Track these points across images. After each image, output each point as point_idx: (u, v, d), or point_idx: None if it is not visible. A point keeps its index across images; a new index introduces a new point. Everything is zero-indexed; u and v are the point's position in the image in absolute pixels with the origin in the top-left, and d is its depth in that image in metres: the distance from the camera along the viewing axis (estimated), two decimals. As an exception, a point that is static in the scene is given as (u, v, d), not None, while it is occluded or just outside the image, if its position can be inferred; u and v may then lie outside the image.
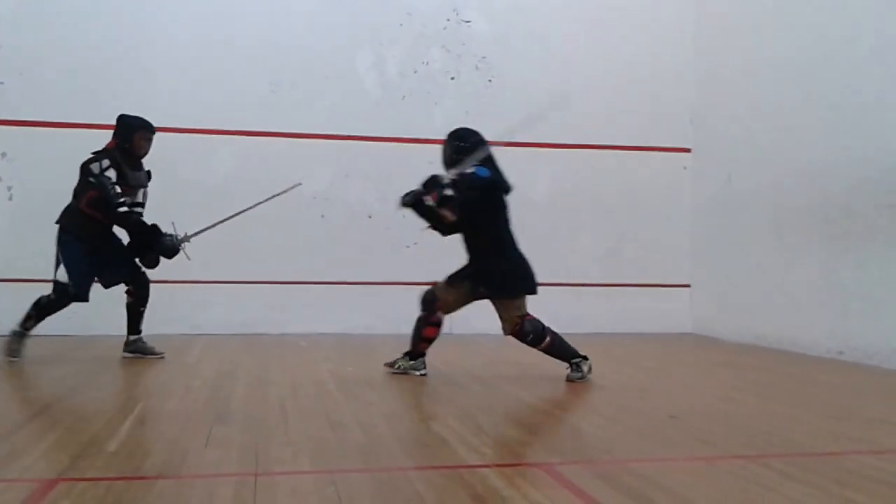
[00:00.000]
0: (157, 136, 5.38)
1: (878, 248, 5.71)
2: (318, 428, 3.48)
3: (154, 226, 5.23)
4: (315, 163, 7.21)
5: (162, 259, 5.28)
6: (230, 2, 7.26)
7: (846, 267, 5.99)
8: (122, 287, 5.43)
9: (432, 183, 4.64)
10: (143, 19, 7.08)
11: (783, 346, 6.55)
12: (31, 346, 5.30)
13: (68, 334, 6.06)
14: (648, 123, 7.91)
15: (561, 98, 4.76)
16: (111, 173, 5.06)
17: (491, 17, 7.67)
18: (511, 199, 7.50)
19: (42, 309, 5.17)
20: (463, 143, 4.77)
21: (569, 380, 4.70)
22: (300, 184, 5.94)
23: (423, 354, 4.92)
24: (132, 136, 5.20)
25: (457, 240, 4.86)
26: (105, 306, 5.73)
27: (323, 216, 7.31)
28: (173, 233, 5.25)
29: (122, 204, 5.06)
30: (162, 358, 5.43)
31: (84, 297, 5.18)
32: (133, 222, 5.17)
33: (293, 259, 7.20)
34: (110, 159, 5.10)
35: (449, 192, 4.57)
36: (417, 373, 4.90)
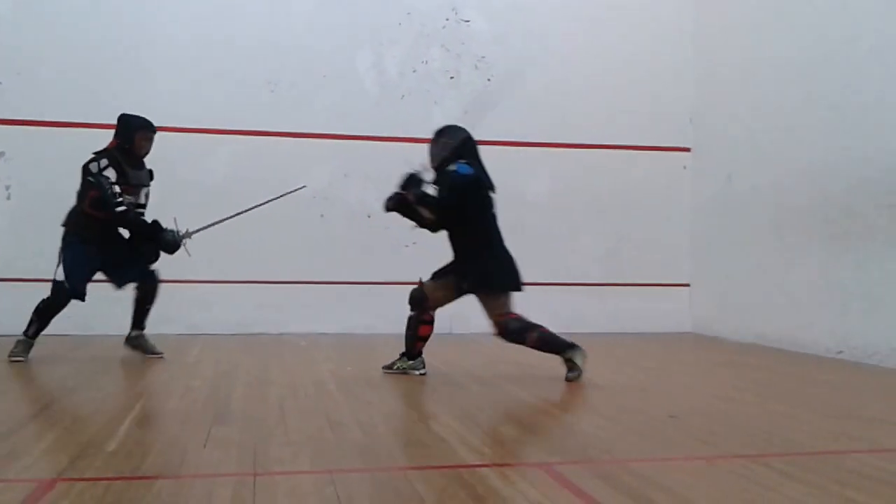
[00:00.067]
0: (157, 136, 5.38)
1: (878, 248, 5.71)
2: (317, 428, 3.48)
3: (154, 222, 5.24)
4: (314, 162, 7.20)
5: (163, 255, 5.29)
6: (230, 2, 7.26)
7: (846, 267, 5.99)
8: (127, 291, 5.43)
9: (410, 181, 4.66)
10: (143, 19, 7.08)
11: (783, 345, 6.55)
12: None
13: (68, 334, 6.05)
14: (648, 123, 7.91)
15: (516, 75, 4.80)
16: (110, 173, 5.06)
17: (490, 16, 7.67)
18: (511, 199, 7.49)
19: (42, 313, 5.17)
20: (450, 141, 4.77)
21: (568, 380, 4.69)
22: (305, 186, 5.97)
23: (421, 353, 4.92)
24: (133, 135, 5.20)
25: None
26: (105, 306, 5.74)
27: (322, 216, 7.31)
28: (175, 228, 5.25)
29: (120, 203, 5.06)
30: (161, 357, 5.43)
31: (81, 296, 5.18)
32: (132, 220, 5.17)
33: (292, 259, 7.20)
34: (109, 159, 5.10)
35: (426, 189, 4.59)
36: (417, 372, 4.90)
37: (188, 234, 5.30)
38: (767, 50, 6.93)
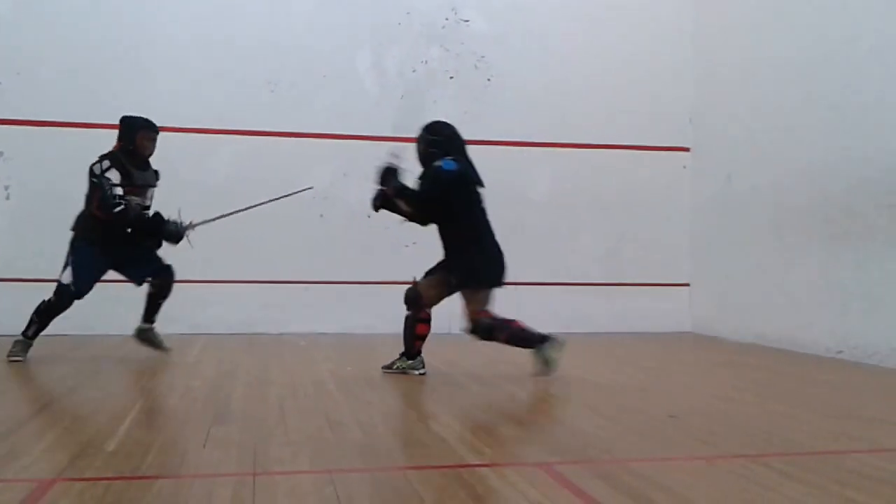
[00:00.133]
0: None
1: (878, 247, 5.71)
2: (317, 428, 3.48)
3: (157, 214, 5.25)
4: (314, 162, 7.20)
5: (168, 249, 5.28)
6: (230, 2, 7.26)
7: (846, 266, 5.99)
8: (127, 291, 5.44)
9: (386, 175, 4.69)
10: (143, 19, 7.08)
11: (783, 345, 6.55)
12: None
13: (68, 334, 6.04)
14: (647, 123, 7.91)
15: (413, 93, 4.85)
16: (112, 174, 5.07)
17: (489, 16, 7.67)
18: (511, 199, 7.55)
19: (43, 314, 5.18)
20: (436, 137, 4.78)
21: (538, 375, 4.65)
22: (311, 187, 5.97)
23: (419, 353, 4.92)
24: (135, 136, 5.21)
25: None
26: (105, 306, 5.74)
27: (322, 216, 7.31)
28: (178, 220, 5.25)
29: (118, 204, 5.06)
30: (167, 352, 5.44)
31: (82, 296, 5.19)
32: (132, 219, 5.17)
33: (292, 258, 7.20)
34: (112, 160, 5.11)
35: (403, 180, 4.63)
36: (416, 372, 4.90)
37: (192, 226, 5.30)
38: (767, 50, 6.93)
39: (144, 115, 5.34)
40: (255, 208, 5.62)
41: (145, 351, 5.56)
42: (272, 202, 5.66)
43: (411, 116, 5.38)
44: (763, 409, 4.13)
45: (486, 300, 4.71)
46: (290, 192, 5.68)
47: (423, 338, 4.88)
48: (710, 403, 4.28)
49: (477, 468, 2.87)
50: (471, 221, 4.75)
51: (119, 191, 5.06)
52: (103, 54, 6.96)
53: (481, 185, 4.81)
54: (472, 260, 4.71)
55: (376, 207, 4.82)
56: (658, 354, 6.40)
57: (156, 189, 5.38)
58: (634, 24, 7.92)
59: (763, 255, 6.92)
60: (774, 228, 6.78)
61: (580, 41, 7.81)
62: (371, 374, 4.92)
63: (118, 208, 5.06)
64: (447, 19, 7.60)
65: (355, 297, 7.27)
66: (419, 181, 4.76)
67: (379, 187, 4.75)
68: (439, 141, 4.76)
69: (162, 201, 5.67)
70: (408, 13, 7.50)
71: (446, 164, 4.65)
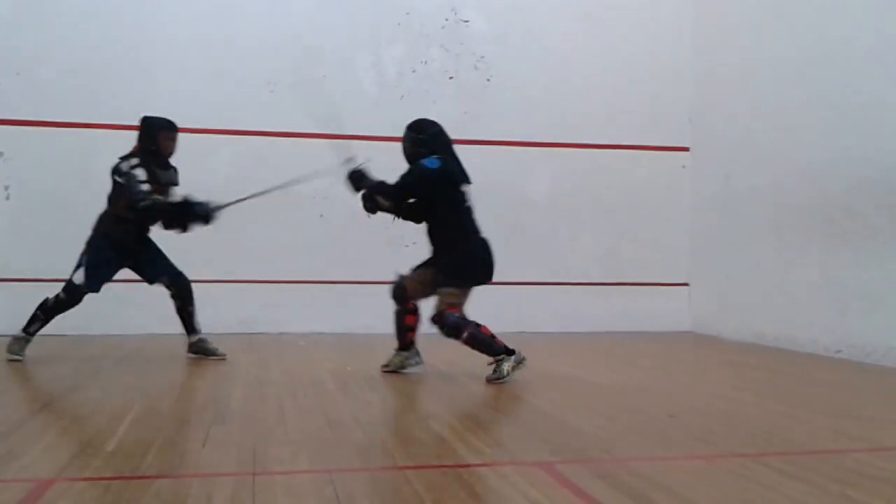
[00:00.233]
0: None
1: (877, 247, 5.71)
2: (316, 427, 3.48)
3: (184, 200, 5.20)
4: (315, 162, 7.17)
5: (197, 228, 5.25)
6: (230, 2, 7.26)
7: (845, 266, 5.99)
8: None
9: (355, 179, 4.75)
10: (143, 19, 7.08)
11: (782, 344, 6.55)
12: (30, 345, 5.29)
13: (68, 334, 6.05)
14: (647, 122, 7.91)
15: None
16: (139, 171, 5.08)
17: (489, 16, 7.67)
18: (511, 199, 7.56)
19: (49, 310, 5.18)
20: (421, 136, 4.79)
21: (488, 381, 4.62)
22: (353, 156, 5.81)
23: (413, 344, 4.92)
24: (157, 136, 5.22)
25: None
26: (105, 306, 5.73)
27: (322, 215, 7.31)
28: (206, 201, 5.21)
29: (144, 199, 5.06)
30: (224, 359, 5.40)
31: (95, 291, 5.20)
32: (159, 208, 5.15)
33: (292, 258, 7.19)
34: (139, 158, 5.12)
35: (372, 179, 4.68)
36: (414, 363, 4.91)
37: (219, 207, 5.26)
38: (767, 50, 6.93)
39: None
40: (285, 188, 5.50)
41: (145, 351, 5.57)
42: (301, 182, 5.53)
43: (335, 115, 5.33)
44: (763, 408, 4.13)
45: (460, 297, 4.70)
46: (316, 172, 5.52)
47: (413, 328, 4.90)
48: (710, 403, 4.28)
49: (477, 468, 2.87)
50: (455, 219, 4.74)
51: (146, 187, 5.07)
52: (103, 54, 6.96)
53: (467, 182, 4.80)
54: (457, 258, 4.70)
55: (369, 209, 4.82)
56: (658, 354, 6.40)
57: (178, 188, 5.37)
58: (634, 24, 7.92)
59: (763, 255, 6.92)
60: (774, 228, 6.78)
61: (580, 41, 7.81)
62: (371, 374, 4.92)
63: (145, 202, 5.06)
64: (447, 19, 7.60)
65: (355, 296, 7.26)
66: (400, 176, 4.77)
67: (358, 191, 4.77)
68: (425, 139, 4.77)
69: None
70: (408, 13, 7.50)
71: (430, 161, 4.66)
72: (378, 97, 7.40)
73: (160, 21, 7.10)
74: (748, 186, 7.12)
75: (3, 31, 6.83)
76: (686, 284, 8.03)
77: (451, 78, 7.58)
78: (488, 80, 7.62)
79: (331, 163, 4.97)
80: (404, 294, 4.80)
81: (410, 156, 4.81)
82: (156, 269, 5.35)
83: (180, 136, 5.39)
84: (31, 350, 5.24)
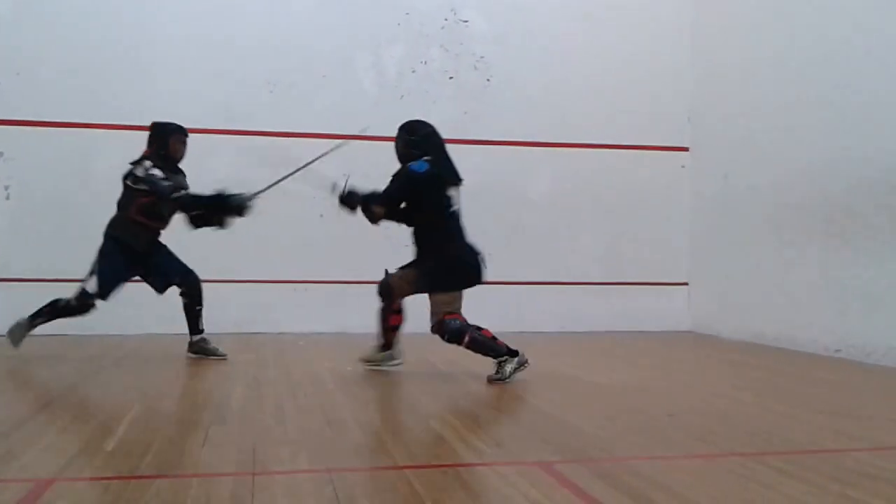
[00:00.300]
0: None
1: (877, 247, 5.71)
2: (316, 427, 3.48)
3: (218, 192, 5.17)
4: (314, 162, 7.18)
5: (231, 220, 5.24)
6: (230, 2, 7.26)
7: (845, 266, 5.99)
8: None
9: (348, 200, 4.78)
10: (143, 19, 7.08)
11: (782, 344, 6.55)
12: (30, 345, 5.30)
13: (68, 334, 6.05)
14: (647, 122, 7.92)
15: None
16: (157, 171, 5.08)
17: (489, 16, 7.67)
18: (511, 199, 7.56)
19: (58, 311, 5.19)
20: (413, 137, 4.78)
21: (489, 381, 4.63)
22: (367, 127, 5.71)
23: (392, 344, 4.92)
24: (167, 140, 5.22)
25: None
26: (105, 306, 5.71)
27: (322, 216, 7.29)
28: (239, 192, 5.18)
29: (176, 190, 5.05)
30: (224, 359, 5.39)
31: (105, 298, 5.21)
32: (192, 200, 5.15)
33: (292, 258, 7.19)
34: (153, 160, 5.12)
35: (362, 195, 4.72)
36: (393, 362, 4.91)
37: (253, 196, 5.23)
38: (767, 50, 6.93)
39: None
40: (311, 164, 5.45)
41: (145, 351, 5.56)
42: (331, 152, 5.48)
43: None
44: (762, 407, 4.13)
45: (454, 301, 4.69)
46: (340, 144, 5.47)
47: (396, 329, 4.89)
48: (710, 402, 4.28)
49: (477, 467, 2.87)
50: (441, 223, 4.71)
51: (168, 183, 5.06)
52: (103, 54, 6.96)
53: (458, 182, 4.77)
54: (443, 262, 4.68)
55: (371, 220, 4.84)
56: (657, 353, 6.40)
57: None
58: (634, 24, 7.92)
59: (762, 255, 6.92)
60: (774, 228, 6.78)
61: (580, 41, 7.81)
62: (370, 374, 4.92)
63: (176, 194, 5.05)
64: (447, 20, 7.60)
65: (354, 296, 7.24)
66: (390, 180, 4.77)
67: (354, 210, 4.79)
68: (417, 141, 4.76)
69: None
70: (407, 13, 7.51)
71: (419, 164, 4.65)
72: (378, 97, 7.40)
73: (160, 21, 7.10)
74: (748, 186, 7.13)
75: (3, 31, 6.83)
76: (686, 284, 8.03)
77: (450, 78, 7.58)
78: (488, 80, 7.62)
79: (333, 167, 4.96)
80: (391, 291, 4.79)
81: (403, 157, 4.81)
82: (163, 277, 5.32)
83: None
84: (31, 349, 5.24)
